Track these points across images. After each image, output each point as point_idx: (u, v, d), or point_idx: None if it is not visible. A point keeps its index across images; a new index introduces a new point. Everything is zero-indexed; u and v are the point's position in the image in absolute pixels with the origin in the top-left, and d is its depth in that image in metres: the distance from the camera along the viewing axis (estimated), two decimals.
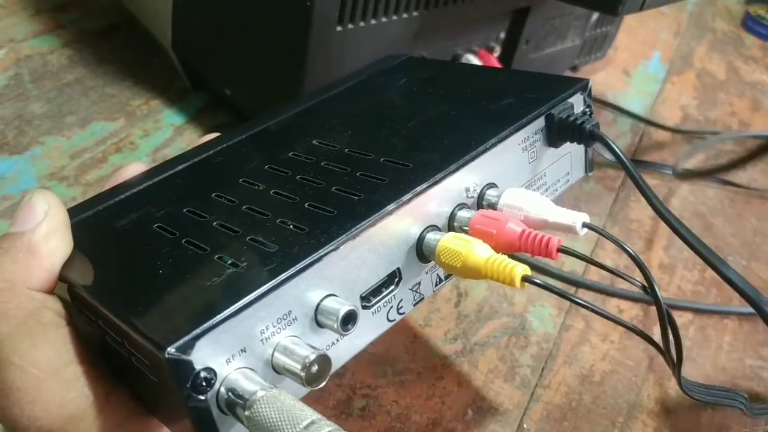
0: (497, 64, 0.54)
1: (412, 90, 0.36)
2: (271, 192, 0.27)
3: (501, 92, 0.32)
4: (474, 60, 0.53)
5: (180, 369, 0.19)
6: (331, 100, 0.36)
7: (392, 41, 0.47)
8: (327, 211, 0.24)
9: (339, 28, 0.42)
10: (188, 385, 0.19)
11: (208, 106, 0.56)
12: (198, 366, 0.19)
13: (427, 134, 0.30)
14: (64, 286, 0.24)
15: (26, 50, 0.58)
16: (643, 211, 0.56)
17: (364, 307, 0.24)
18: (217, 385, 0.20)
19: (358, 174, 0.27)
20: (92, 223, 0.28)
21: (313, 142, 0.31)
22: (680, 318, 0.47)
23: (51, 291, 0.24)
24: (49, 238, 0.24)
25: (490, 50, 0.55)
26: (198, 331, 0.19)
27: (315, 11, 0.40)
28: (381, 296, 0.25)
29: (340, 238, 0.22)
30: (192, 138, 0.52)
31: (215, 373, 0.20)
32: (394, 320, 0.26)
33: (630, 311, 0.46)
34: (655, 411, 0.40)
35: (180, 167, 0.31)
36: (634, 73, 0.78)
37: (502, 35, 0.57)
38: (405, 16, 0.46)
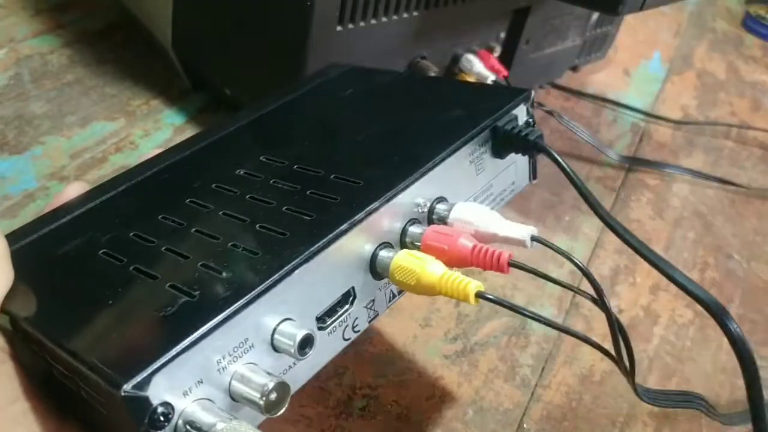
0: (497, 64, 0.54)
1: (358, 102, 0.36)
2: (220, 213, 0.26)
3: (445, 104, 0.32)
4: (474, 60, 0.53)
5: (136, 406, 0.18)
6: (276, 112, 0.36)
7: (392, 41, 0.47)
8: (279, 233, 0.24)
9: (339, 28, 0.42)
10: (145, 422, 0.19)
11: (208, 106, 0.56)
12: (155, 401, 0.19)
13: (375, 149, 0.30)
14: (5, 318, 0.23)
15: (26, 50, 0.58)
16: (643, 211, 0.56)
17: (320, 328, 0.24)
18: (174, 419, 0.19)
19: (308, 192, 0.26)
20: (34, 249, 0.27)
21: (261, 158, 0.30)
22: (680, 318, 0.47)
23: None
24: None
25: (490, 50, 0.55)
26: (155, 366, 0.19)
27: (315, 11, 0.40)
28: (336, 316, 0.25)
29: (294, 262, 0.22)
30: None
31: (172, 407, 0.19)
32: (350, 339, 0.26)
33: (630, 310, 0.46)
34: (655, 411, 0.40)
35: (123, 187, 0.30)
36: (634, 73, 0.78)
37: (502, 35, 0.57)
38: (405, 16, 0.46)
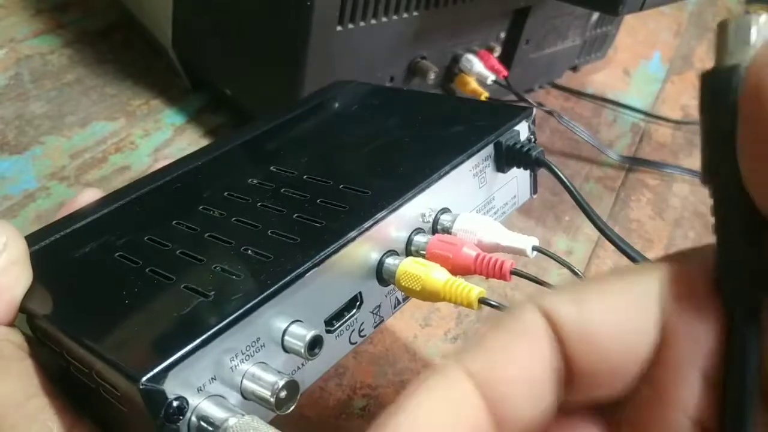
0: (497, 64, 0.54)
1: (364, 117, 0.37)
2: (233, 219, 0.27)
3: (450, 120, 0.34)
4: (474, 60, 0.53)
5: (153, 399, 0.19)
6: (285, 125, 0.37)
7: (392, 41, 0.47)
8: (290, 238, 0.25)
9: (339, 28, 0.42)
10: (161, 415, 0.19)
11: (208, 106, 0.56)
12: (171, 395, 0.19)
13: (382, 161, 0.31)
14: (22, 317, 0.24)
15: (26, 50, 0.58)
16: (643, 211, 0.56)
17: (328, 332, 0.25)
18: (189, 414, 0.20)
19: (318, 201, 0.27)
20: (50, 252, 0.28)
21: (270, 168, 0.31)
22: None
23: (11, 323, 0.24)
24: (8, 270, 0.24)
25: (490, 50, 0.55)
26: (171, 360, 0.19)
27: (315, 11, 0.40)
28: (343, 320, 0.25)
29: (305, 266, 0.23)
30: (192, 138, 0.52)
31: (187, 402, 0.20)
32: (356, 343, 0.26)
33: None
34: None
35: (136, 195, 0.31)
36: (634, 73, 0.78)
37: (502, 35, 0.57)
38: (405, 16, 0.46)
